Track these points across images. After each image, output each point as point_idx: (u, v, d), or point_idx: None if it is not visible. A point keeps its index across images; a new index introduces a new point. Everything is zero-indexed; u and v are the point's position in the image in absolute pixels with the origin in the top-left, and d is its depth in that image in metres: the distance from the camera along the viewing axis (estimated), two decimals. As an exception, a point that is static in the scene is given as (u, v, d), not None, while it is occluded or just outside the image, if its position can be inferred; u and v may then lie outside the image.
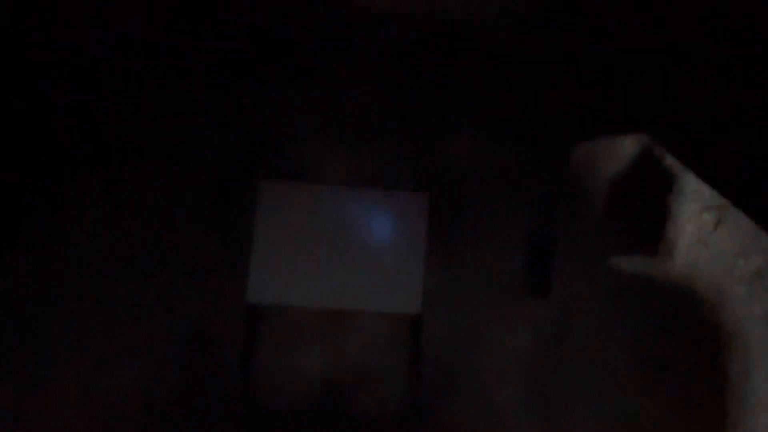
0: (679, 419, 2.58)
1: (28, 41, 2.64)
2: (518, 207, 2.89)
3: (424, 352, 2.75)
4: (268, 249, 2.68)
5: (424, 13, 2.86)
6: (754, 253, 2.55)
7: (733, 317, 2.56)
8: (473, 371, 2.73)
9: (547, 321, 2.77)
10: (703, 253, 2.65)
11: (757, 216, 2.51)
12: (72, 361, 2.43)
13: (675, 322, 2.66)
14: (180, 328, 2.53)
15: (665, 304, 2.67)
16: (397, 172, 2.82)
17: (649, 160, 2.79)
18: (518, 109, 2.95)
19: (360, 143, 2.83)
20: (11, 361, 2.39)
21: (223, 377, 2.56)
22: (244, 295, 2.63)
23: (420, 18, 2.89)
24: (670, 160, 2.76)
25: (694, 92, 2.62)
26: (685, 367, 2.61)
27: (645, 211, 2.78)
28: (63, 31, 2.69)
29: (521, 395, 2.69)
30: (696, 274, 2.64)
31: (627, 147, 2.82)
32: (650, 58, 2.77)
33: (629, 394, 2.64)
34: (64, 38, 2.69)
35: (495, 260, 2.81)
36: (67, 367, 2.43)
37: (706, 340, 2.59)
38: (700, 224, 2.67)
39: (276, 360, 2.62)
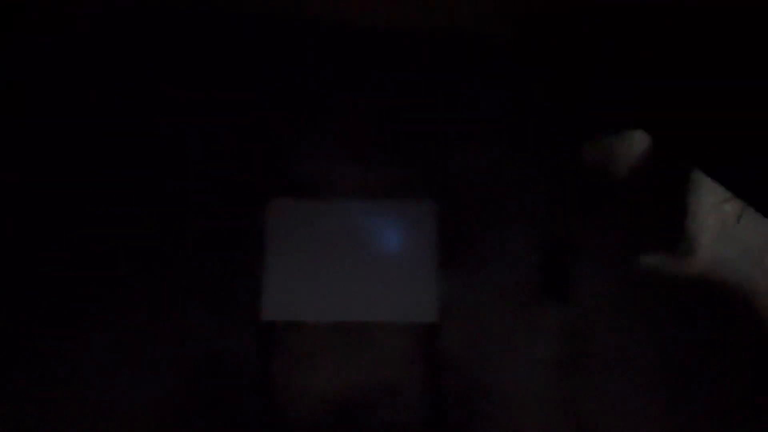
0: (715, 424, 2.44)
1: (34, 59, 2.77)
2: (532, 209, 2.84)
3: (442, 364, 2.72)
4: (281, 266, 2.73)
5: (430, 26, 2.89)
6: (783, 244, 2.41)
7: (765, 313, 2.41)
8: (496, 382, 2.68)
9: (569, 326, 2.69)
10: (727, 247, 2.52)
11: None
12: (81, 387, 2.48)
13: (703, 321, 2.53)
14: (193, 351, 2.59)
15: (691, 302, 2.55)
16: (406, 182, 2.83)
17: (663, 153, 2.69)
18: (527, 110, 2.91)
19: (367, 155, 2.87)
20: (19, 386, 2.45)
21: (239, 398, 2.60)
22: (258, 313, 2.68)
23: (425, 31, 2.92)
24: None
25: (699, 87, 2.52)
26: (718, 368, 2.47)
27: (662, 207, 2.67)
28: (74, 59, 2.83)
29: (547, 406, 2.61)
30: (722, 270, 2.51)
31: (638, 142, 2.74)
32: (653, 56, 2.69)
33: (660, 399, 2.52)
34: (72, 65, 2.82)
35: (511, 265, 2.77)
36: (75, 394, 2.49)
37: (736, 338, 2.45)
38: (722, 217, 2.54)
39: (292, 378, 2.65)
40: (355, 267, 2.78)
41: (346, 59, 2.92)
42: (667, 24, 2.51)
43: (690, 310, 2.53)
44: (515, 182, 2.85)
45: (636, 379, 2.50)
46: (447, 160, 2.80)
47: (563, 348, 2.67)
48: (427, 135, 2.84)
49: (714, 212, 2.57)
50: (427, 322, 2.63)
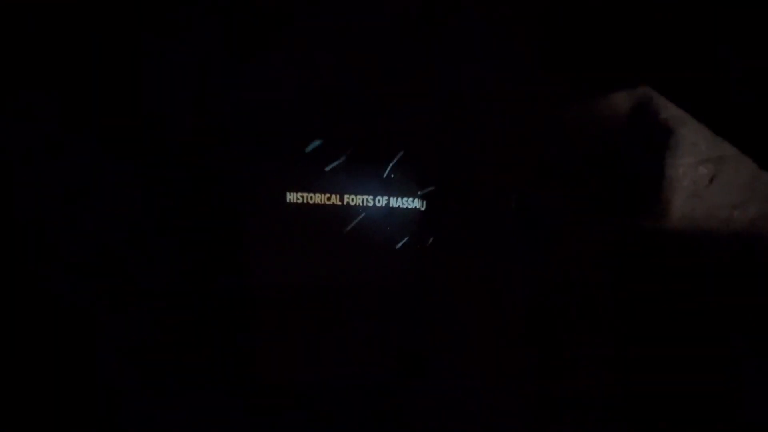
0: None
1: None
2: (513, 166, 2.94)
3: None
4: (263, 237, 2.85)
5: None
6: (749, 204, 2.54)
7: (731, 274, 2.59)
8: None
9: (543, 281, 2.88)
10: (698, 206, 2.65)
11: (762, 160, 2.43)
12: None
13: (673, 281, 2.72)
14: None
15: (661, 260, 2.72)
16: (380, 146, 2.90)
17: (645, 115, 2.74)
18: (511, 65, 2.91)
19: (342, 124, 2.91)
20: None
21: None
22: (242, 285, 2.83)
23: None
24: (666, 114, 2.71)
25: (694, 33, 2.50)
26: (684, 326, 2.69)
27: (641, 169, 2.76)
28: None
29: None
30: (692, 228, 2.66)
31: (621, 103, 2.77)
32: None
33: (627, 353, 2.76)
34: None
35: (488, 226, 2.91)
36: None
37: (702, 296, 2.65)
38: (695, 178, 2.65)
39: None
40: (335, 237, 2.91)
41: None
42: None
43: (659, 268, 2.71)
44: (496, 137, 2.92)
45: (605, 333, 2.75)
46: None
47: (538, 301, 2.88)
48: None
49: (689, 173, 2.67)
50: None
